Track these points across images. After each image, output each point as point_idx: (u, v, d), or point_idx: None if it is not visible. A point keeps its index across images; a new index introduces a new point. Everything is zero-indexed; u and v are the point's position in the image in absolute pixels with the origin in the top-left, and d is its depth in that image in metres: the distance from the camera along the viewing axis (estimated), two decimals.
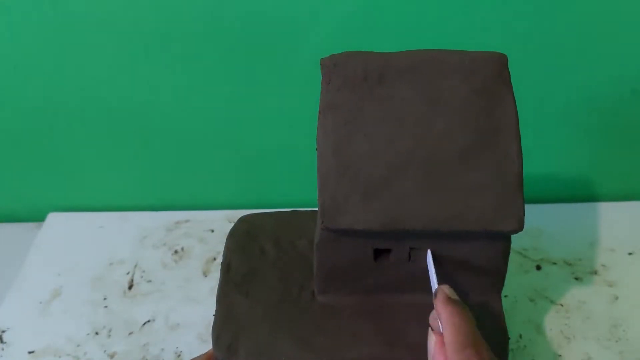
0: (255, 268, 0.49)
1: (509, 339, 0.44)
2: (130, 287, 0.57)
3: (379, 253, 0.44)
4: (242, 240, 0.51)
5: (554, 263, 0.58)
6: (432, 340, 0.38)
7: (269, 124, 0.60)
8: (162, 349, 0.51)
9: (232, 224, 0.54)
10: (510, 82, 0.41)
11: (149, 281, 0.57)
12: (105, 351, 0.51)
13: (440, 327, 0.37)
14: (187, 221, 0.64)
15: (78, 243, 0.61)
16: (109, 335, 0.52)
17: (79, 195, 0.66)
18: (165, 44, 0.55)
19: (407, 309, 0.45)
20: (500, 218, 0.39)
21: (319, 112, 0.41)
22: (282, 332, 0.44)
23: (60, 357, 0.51)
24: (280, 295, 0.47)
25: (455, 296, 0.39)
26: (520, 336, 0.51)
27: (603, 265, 0.57)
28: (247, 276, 0.49)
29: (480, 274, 0.44)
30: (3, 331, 0.53)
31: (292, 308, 0.46)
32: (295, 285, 0.48)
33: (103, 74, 0.57)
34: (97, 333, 0.52)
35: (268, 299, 0.47)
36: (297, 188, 0.63)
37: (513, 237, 0.42)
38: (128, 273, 0.58)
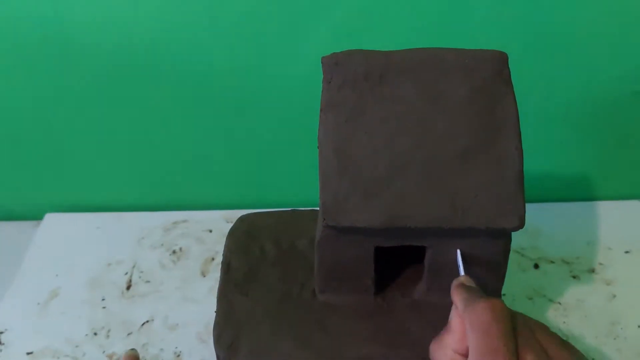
0: (255, 267, 0.49)
1: None
2: (128, 288, 0.56)
3: (379, 251, 0.44)
4: (242, 240, 0.51)
5: (552, 262, 0.58)
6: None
7: (268, 122, 0.60)
8: (161, 349, 0.51)
9: (230, 224, 0.54)
10: (510, 80, 0.41)
11: (147, 281, 0.57)
12: (104, 352, 0.51)
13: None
14: (184, 221, 0.63)
15: (76, 244, 0.61)
16: (108, 336, 0.52)
17: (76, 195, 0.66)
18: (164, 42, 0.55)
19: (407, 308, 0.46)
20: (501, 215, 0.39)
21: (320, 110, 0.42)
22: (283, 331, 0.44)
23: (58, 358, 0.50)
24: (280, 294, 0.47)
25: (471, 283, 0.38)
26: None
27: (600, 264, 0.57)
28: (247, 275, 0.48)
29: (481, 271, 0.44)
30: (1, 332, 0.52)
31: (292, 307, 0.46)
32: (296, 284, 0.48)
33: (102, 74, 0.57)
34: (95, 334, 0.52)
35: (268, 298, 0.47)
36: (297, 188, 0.63)
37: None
38: (126, 273, 0.58)
